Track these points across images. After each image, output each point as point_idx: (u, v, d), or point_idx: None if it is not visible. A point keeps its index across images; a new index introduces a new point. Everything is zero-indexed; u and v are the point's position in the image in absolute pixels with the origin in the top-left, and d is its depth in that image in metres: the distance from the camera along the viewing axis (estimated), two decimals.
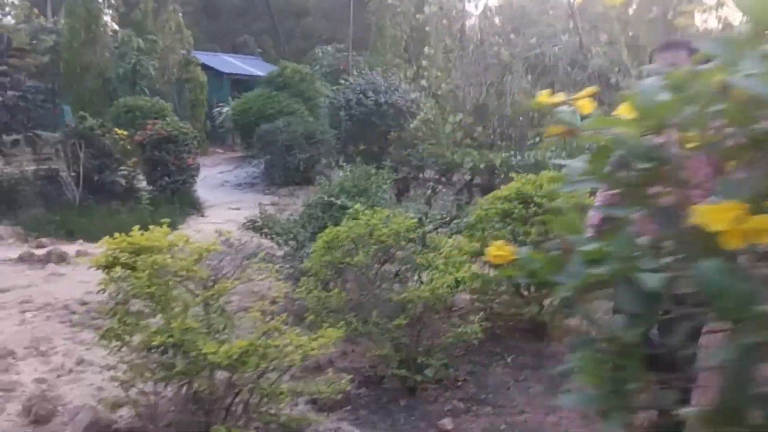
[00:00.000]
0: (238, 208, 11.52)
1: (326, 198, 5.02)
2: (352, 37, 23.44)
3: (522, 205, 4.94)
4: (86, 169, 10.54)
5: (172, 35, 19.61)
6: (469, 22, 32.37)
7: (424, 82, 8.92)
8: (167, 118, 12.40)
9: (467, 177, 7.90)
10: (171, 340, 2.77)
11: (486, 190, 6.77)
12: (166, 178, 11.47)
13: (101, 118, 12.13)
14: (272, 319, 3.21)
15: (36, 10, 20.58)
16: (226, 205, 11.83)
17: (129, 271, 3.24)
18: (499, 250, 1.35)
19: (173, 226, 9.53)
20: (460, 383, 4.47)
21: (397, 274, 4.43)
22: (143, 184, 11.75)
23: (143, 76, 17.29)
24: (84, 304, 5.68)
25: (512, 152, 9.85)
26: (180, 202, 10.88)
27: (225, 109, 20.24)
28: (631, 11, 7.34)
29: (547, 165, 9.88)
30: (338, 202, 4.73)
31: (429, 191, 6.00)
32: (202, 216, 10.69)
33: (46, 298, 5.88)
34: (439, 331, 4.29)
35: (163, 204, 10.57)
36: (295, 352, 2.99)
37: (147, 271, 2.92)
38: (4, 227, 8.94)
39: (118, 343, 3.17)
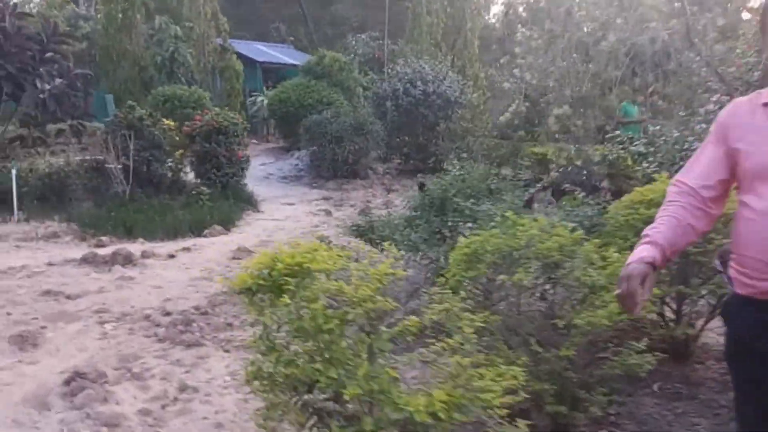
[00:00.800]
0: (291, 203, 11.01)
1: (453, 199, 4.43)
2: (387, 24, 22.82)
3: None
4: (135, 161, 10.05)
5: (207, 22, 19.06)
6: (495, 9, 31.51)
7: (516, 71, 8.28)
8: (217, 109, 11.88)
9: (554, 174, 7.29)
10: (360, 390, 2.21)
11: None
12: (215, 171, 10.95)
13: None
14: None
15: None
16: (277, 199, 11.30)
17: (274, 296, 2.70)
18: None
19: (231, 223, 9.10)
20: (612, 418, 3.91)
21: (542, 294, 3.86)
22: (189, 177, 11.27)
23: (180, 64, 16.78)
24: (167, 314, 5.18)
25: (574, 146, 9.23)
26: (234, 197, 10.36)
27: (260, 99, 19.74)
28: None
29: (626, 160, 9.25)
30: (479, 207, 4.14)
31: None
32: (258, 212, 10.15)
33: (123, 307, 5.38)
34: (597, 360, 3.72)
35: (216, 199, 10.05)
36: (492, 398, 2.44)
37: (320, 302, 2.36)
38: (58, 223, 8.47)
39: (268, 383, 2.62)
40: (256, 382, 2.61)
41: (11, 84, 10.07)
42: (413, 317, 2.42)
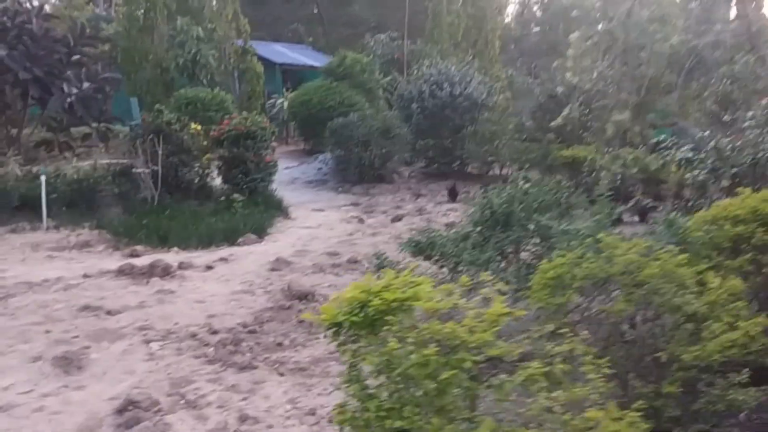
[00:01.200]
0: (321, 209, 10.76)
1: (520, 214, 4.15)
2: (407, 24, 22.55)
3: (764, 228, 4.04)
4: (163, 166, 9.82)
5: (228, 23, 18.83)
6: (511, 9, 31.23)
7: (568, 75, 7.98)
8: (245, 113, 11.65)
9: (605, 181, 6.98)
10: None
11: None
12: (243, 177, 10.69)
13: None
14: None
15: None
16: (305, 205, 11.04)
17: (368, 334, 2.43)
18: None
19: (264, 230, 8.85)
20: None
21: (631, 322, 3.57)
22: (216, 182, 11.02)
23: (203, 66, 16.54)
24: (214, 332, 4.94)
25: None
26: (264, 202, 10.10)
27: (279, 101, 19.49)
28: None
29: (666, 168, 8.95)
30: (558, 225, 3.84)
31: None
32: (289, 218, 9.89)
33: (166, 323, 5.15)
34: (694, 393, 3.43)
35: (245, 205, 9.78)
36: None
37: (433, 348, 2.09)
38: (89, 231, 8.26)
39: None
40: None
41: (39, 88, 9.87)
42: (536, 364, 2.15)
